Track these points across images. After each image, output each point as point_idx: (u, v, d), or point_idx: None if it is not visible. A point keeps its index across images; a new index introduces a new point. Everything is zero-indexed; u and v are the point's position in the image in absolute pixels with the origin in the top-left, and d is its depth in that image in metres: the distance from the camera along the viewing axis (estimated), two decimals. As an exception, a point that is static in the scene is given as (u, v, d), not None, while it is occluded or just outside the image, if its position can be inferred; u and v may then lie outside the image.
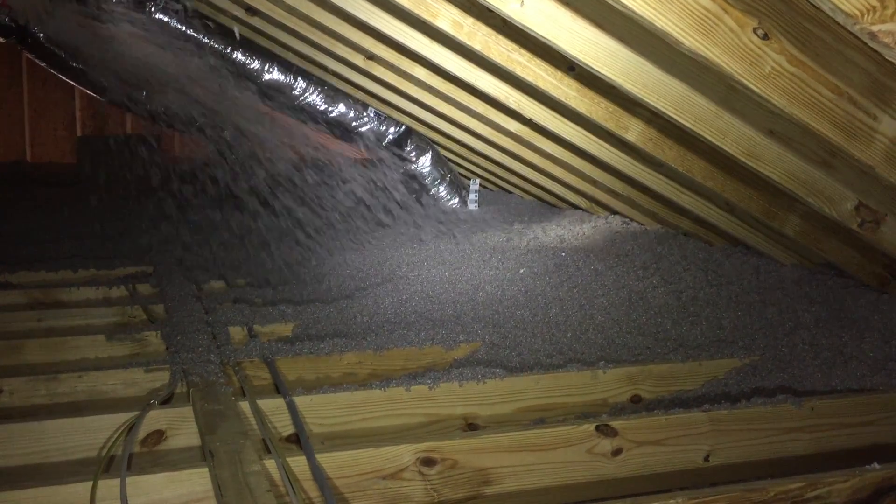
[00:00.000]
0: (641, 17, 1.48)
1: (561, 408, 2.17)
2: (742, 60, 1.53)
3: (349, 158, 4.87)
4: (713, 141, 2.03)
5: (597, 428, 1.81)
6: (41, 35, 4.20)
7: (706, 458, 1.87)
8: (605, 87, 2.26)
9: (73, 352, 2.44)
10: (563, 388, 2.19)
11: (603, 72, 1.95)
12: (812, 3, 1.30)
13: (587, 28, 1.90)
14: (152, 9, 3.92)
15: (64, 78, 4.64)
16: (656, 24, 1.49)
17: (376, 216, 4.08)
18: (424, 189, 4.78)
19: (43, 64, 4.50)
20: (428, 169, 4.70)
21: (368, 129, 4.51)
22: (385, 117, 4.52)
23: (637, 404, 2.21)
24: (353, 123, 4.48)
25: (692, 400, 2.17)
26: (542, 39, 1.93)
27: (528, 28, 1.91)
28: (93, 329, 2.66)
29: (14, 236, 4.19)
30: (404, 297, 2.97)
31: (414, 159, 4.65)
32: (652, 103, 1.99)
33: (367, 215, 4.05)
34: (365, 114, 4.48)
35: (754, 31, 1.51)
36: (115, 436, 1.79)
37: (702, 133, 2.01)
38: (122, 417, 1.83)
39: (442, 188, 4.76)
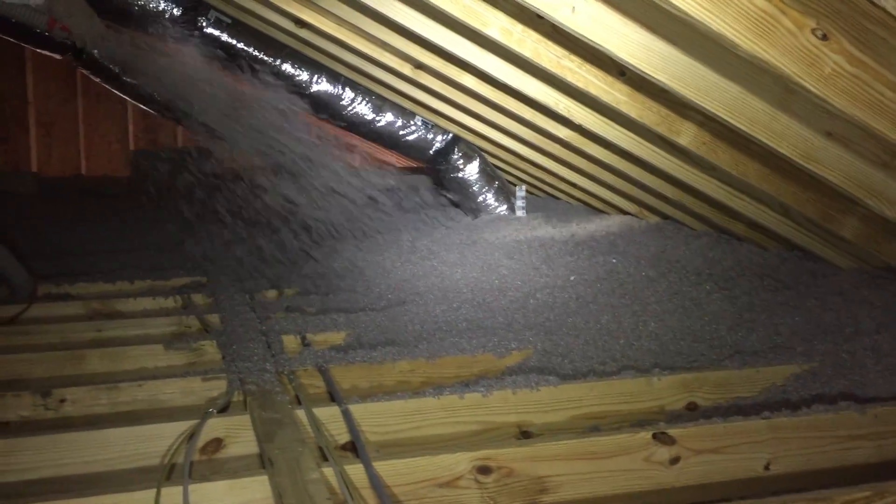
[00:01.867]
0: (696, 20, 1.47)
1: (615, 415, 2.15)
2: (801, 62, 1.50)
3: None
4: (769, 144, 2.00)
5: (654, 436, 1.79)
6: (96, 52, 4.31)
7: (767, 467, 1.84)
8: (657, 91, 2.24)
9: (132, 361, 2.49)
10: (618, 395, 2.16)
11: (655, 76, 1.93)
12: (872, 2, 1.28)
13: (639, 32, 1.88)
14: (203, 23, 3.99)
15: (117, 92, 4.74)
16: (711, 27, 1.47)
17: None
18: (471, 197, 4.78)
19: (97, 79, 4.60)
20: (475, 176, 4.70)
21: (416, 138, 4.53)
22: (432, 126, 4.54)
23: (693, 412, 2.18)
24: (401, 133, 4.51)
25: (750, 407, 2.13)
26: (594, 45, 1.92)
27: (579, 34, 1.90)
28: (150, 339, 2.71)
29: (73, 248, 4.29)
30: (455, 305, 2.97)
31: (461, 167, 4.66)
32: (706, 107, 1.96)
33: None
34: (412, 122, 4.51)
35: (813, 31, 1.49)
36: (176, 444, 1.82)
37: (758, 136, 1.98)
38: (182, 426, 1.86)
39: (490, 195, 4.75)
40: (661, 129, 2.40)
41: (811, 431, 1.86)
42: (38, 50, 4.44)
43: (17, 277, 3.03)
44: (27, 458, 1.76)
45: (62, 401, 2.13)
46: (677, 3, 1.44)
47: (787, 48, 1.50)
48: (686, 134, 2.38)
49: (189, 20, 4.01)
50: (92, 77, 4.61)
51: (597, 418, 2.14)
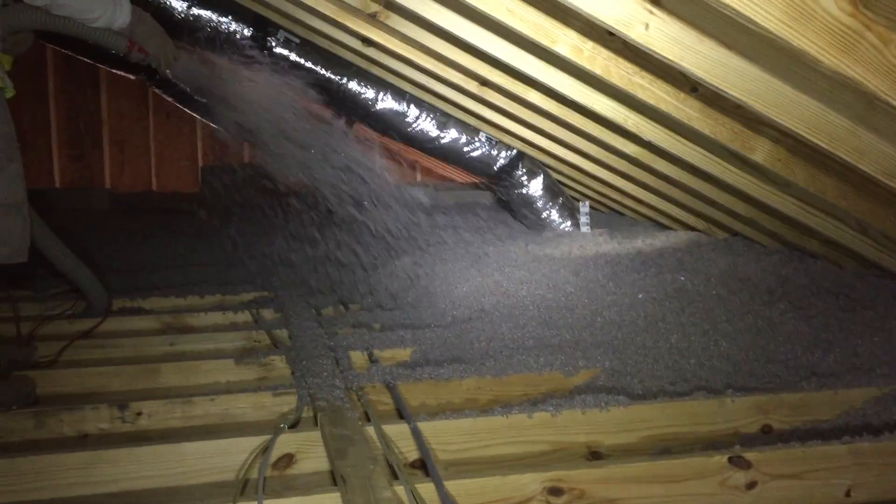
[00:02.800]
0: (777, 36, 1.44)
1: (687, 437, 2.10)
2: (886, 78, 1.46)
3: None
4: (849, 160, 1.94)
5: (730, 459, 1.74)
6: (169, 72, 4.42)
7: (847, 494, 1.78)
8: (730, 107, 2.21)
9: (204, 375, 2.54)
10: (690, 416, 2.12)
11: (731, 92, 1.90)
12: (963, 16, 1.24)
13: (714, 48, 1.86)
14: (273, 44, 4.07)
15: (187, 111, 4.86)
16: (793, 44, 1.44)
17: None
18: (535, 213, 4.76)
19: (169, 98, 4.73)
20: (539, 193, 4.68)
21: (480, 154, 4.54)
22: (496, 142, 4.54)
23: (768, 435, 2.13)
24: (465, 149, 4.52)
25: (828, 431, 2.07)
26: (667, 61, 1.90)
27: (652, 51, 1.88)
28: (222, 353, 2.76)
29: (145, 263, 4.39)
30: (521, 322, 2.95)
31: (525, 183, 4.64)
32: (783, 123, 1.92)
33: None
34: (476, 139, 4.51)
35: (899, 46, 1.45)
36: (250, 459, 1.84)
37: (838, 153, 1.93)
38: (255, 441, 1.88)
39: (554, 212, 4.73)
40: (735, 146, 2.36)
41: (894, 457, 1.80)
42: (113, 70, 4.60)
43: (94, 291, 3.11)
44: (106, 471, 1.80)
45: (139, 414, 2.18)
46: (758, 20, 1.42)
47: (871, 64, 1.46)
48: (760, 150, 2.34)
49: (259, 40, 4.10)
50: (164, 96, 4.74)
51: (668, 440, 2.10)
